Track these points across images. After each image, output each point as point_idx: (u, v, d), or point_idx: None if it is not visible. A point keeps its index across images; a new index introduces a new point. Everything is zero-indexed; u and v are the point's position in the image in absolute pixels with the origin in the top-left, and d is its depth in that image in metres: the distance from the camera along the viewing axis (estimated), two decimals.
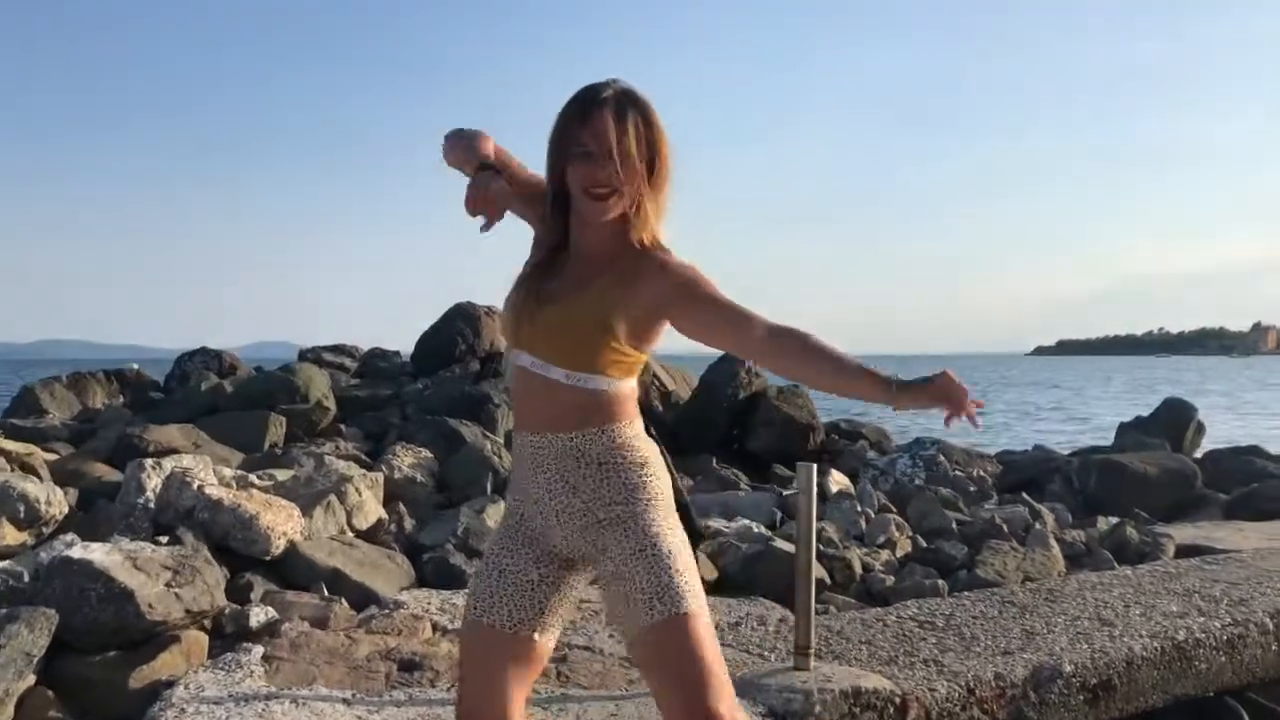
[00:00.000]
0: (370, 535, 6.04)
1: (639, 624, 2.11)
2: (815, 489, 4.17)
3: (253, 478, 6.24)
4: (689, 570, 2.19)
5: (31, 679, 3.77)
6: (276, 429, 10.26)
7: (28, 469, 7.72)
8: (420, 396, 11.79)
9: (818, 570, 5.89)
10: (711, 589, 5.83)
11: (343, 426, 10.89)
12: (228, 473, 6.67)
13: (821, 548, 6.31)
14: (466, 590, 2.24)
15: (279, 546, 5.20)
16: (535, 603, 2.17)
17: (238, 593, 4.85)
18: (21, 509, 5.34)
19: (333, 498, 5.92)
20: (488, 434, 9.40)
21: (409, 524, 6.44)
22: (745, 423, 13.10)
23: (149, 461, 5.72)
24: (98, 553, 4.06)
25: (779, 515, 7.18)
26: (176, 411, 11.28)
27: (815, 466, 4.24)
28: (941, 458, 9.38)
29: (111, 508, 5.48)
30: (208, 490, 5.22)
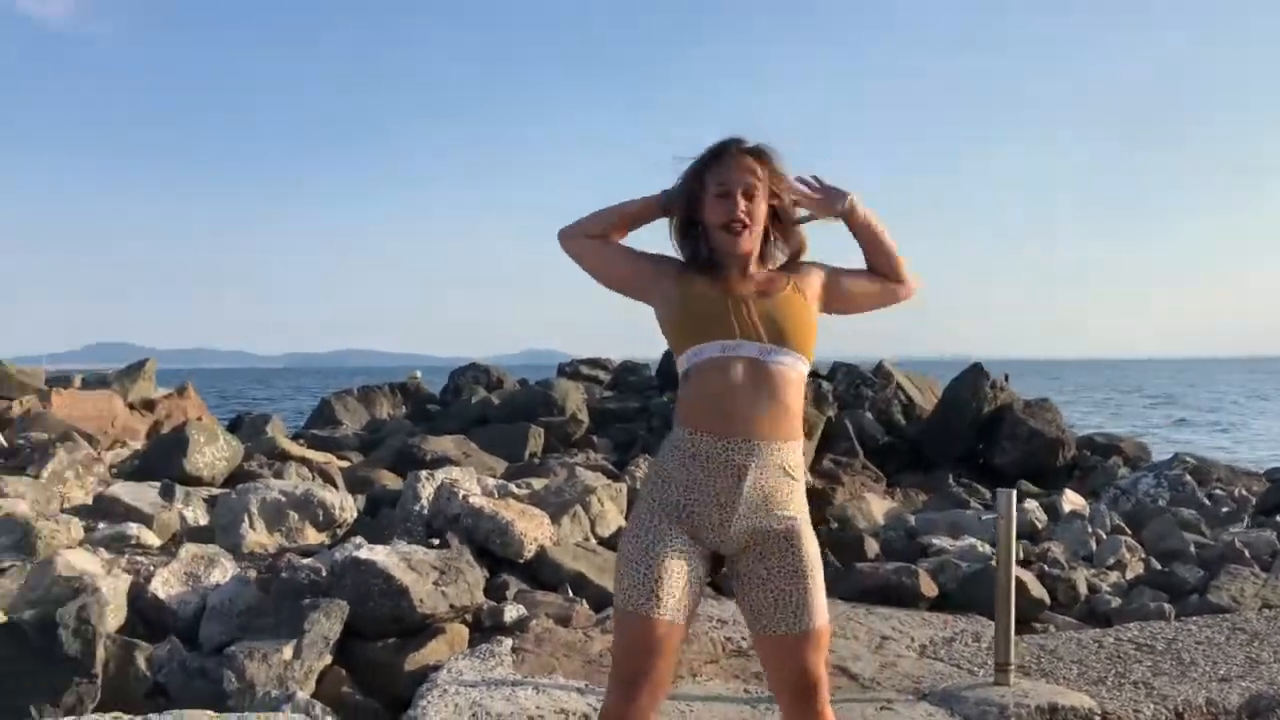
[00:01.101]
0: (611, 542, 6.63)
1: (795, 629, 2.49)
2: (1015, 514, 4.37)
3: (512, 487, 6.98)
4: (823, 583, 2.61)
5: (329, 659, 4.53)
6: (536, 440, 11.16)
7: (326, 476, 8.86)
8: (666, 409, 12.44)
9: (1038, 590, 6.01)
10: (931, 605, 6.08)
11: (595, 438, 11.68)
12: (490, 482, 7.46)
13: (1045, 568, 6.40)
14: (627, 583, 2.53)
15: (531, 550, 5.85)
16: (696, 599, 2.53)
17: (495, 591, 5.51)
18: (320, 514, 6.27)
19: (578, 507, 6.55)
20: None
21: None
22: (990, 437, 12.97)
23: (424, 473, 6.53)
24: (380, 554, 4.80)
25: None
26: (450, 423, 12.45)
27: (1014, 493, 4.44)
28: (1188, 478, 9.07)
29: (392, 514, 6.31)
30: (471, 499, 5.94)
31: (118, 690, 4.16)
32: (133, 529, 6.25)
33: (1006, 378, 17.29)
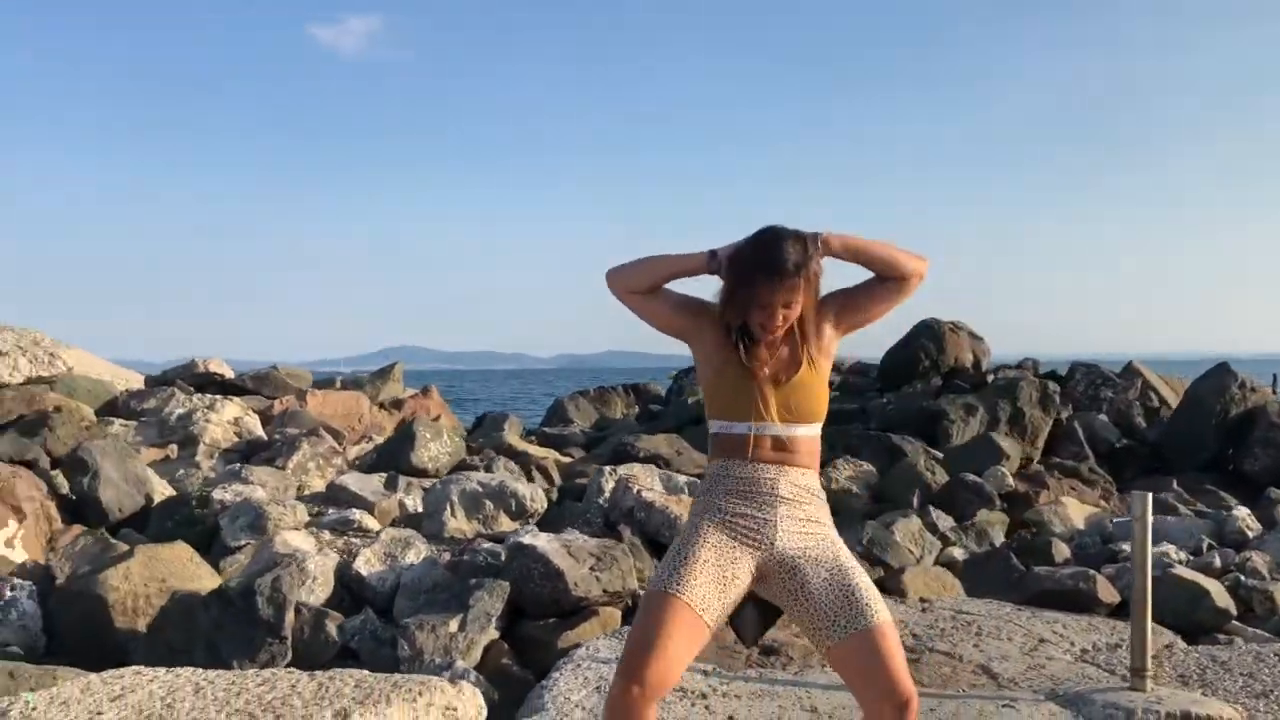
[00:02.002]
0: None
1: (858, 626, 2.62)
2: (1149, 517, 4.26)
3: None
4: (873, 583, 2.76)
5: (495, 633, 5.00)
6: None
7: (542, 469, 9.45)
8: (883, 411, 12.38)
9: (1224, 600, 5.74)
10: (1111, 612, 5.93)
11: None
12: (681, 479, 7.81)
13: (1242, 578, 6.07)
14: (658, 570, 2.76)
15: None
16: (727, 602, 2.68)
17: None
18: (514, 504, 6.80)
19: None
20: (929, 450, 9.79)
21: None
22: (1240, 442, 12.12)
23: (607, 469, 6.95)
24: (541, 540, 5.24)
25: (1206, 543, 6.90)
26: (668, 422, 12.89)
27: (1150, 495, 4.33)
28: None
29: (575, 506, 6.76)
30: (644, 494, 6.29)
31: (310, 652, 4.78)
32: (356, 514, 6.97)
33: (1276, 380, 15.97)
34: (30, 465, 7.32)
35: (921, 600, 5.85)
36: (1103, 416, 12.77)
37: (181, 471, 8.54)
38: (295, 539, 5.80)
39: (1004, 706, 4.17)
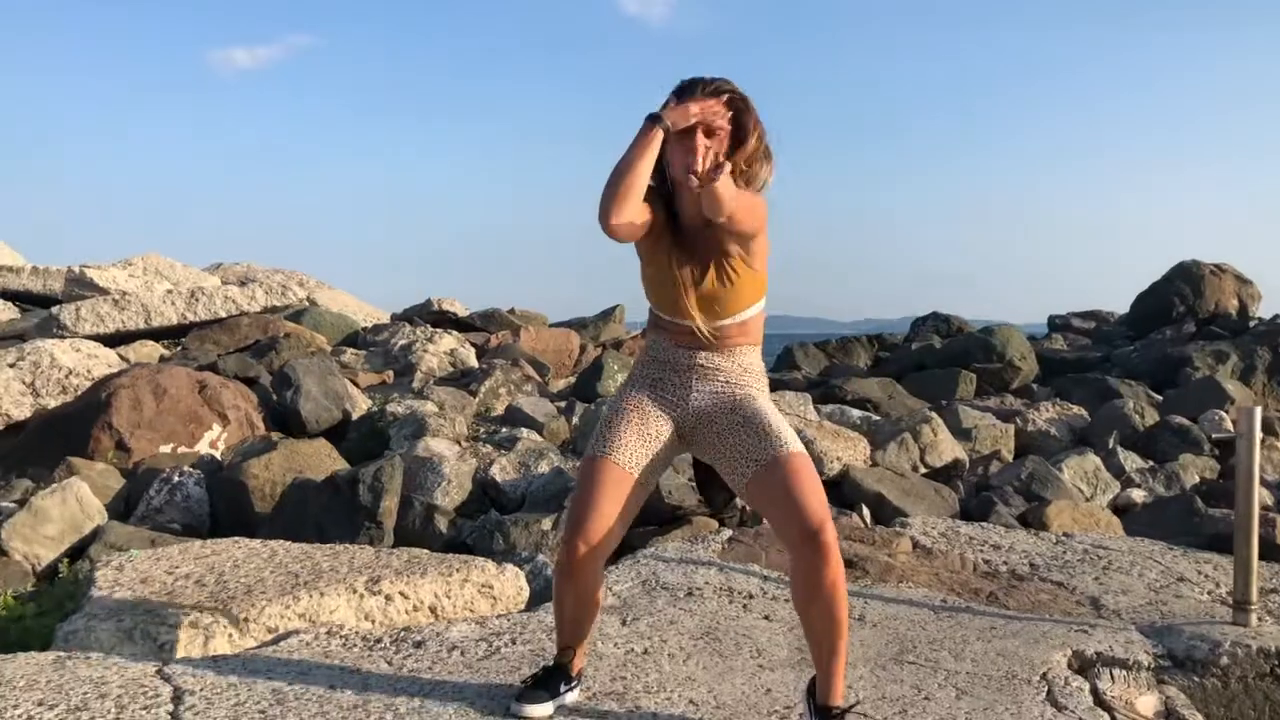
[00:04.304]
0: (942, 473, 6.52)
1: (767, 455, 2.59)
2: (1258, 434, 3.76)
3: (854, 413, 7.10)
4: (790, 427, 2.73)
5: None
6: (966, 385, 10.94)
7: None
8: (1127, 359, 11.47)
9: None
10: None
11: (1034, 386, 11.13)
12: (855, 414, 7.63)
13: None
14: (592, 437, 2.83)
15: (833, 468, 6.00)
16: (657, 459, 2.71)
17: None
18: None
19: (907, 435, 6.52)
20: (1149, 393, 9.00)
21: (995, 468, 6.76)
22: None
23: None
24: None
25: None
26: (889, 367, 12.54)
27: (1259, 410, 3.81)
28: None
29: None
30: None
31: (419, 540, 5.08)
32: (524, 433, 7.30)
33: None
34: (251, 382, 8.14)
35: (1063, 534, 5.44)
36: None
37: (395, 394, 9.22)
38: (438, 445, 6.16)
39: (1076, 631, 3.83)
